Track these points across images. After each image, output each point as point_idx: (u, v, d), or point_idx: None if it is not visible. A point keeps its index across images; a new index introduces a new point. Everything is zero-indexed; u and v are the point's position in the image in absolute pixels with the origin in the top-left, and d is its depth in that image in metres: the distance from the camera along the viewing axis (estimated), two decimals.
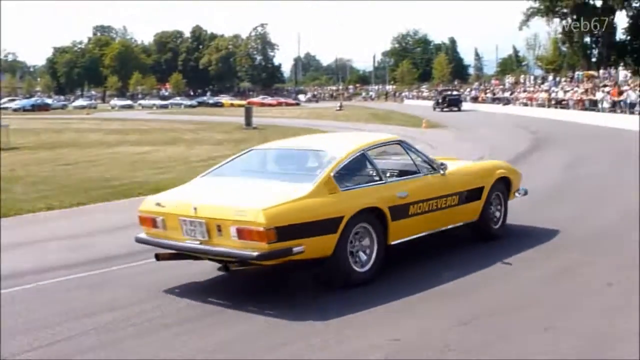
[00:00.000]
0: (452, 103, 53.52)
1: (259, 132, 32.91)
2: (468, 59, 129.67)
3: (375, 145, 7.60)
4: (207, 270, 7.39)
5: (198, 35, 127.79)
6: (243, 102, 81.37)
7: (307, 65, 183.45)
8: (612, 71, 48.35)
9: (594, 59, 63.36)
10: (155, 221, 6.62)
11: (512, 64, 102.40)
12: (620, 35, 64.07)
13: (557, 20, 64.64)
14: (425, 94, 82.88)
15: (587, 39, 64.75)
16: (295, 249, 5.98)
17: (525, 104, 47.65)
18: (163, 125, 41.42)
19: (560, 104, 41.50)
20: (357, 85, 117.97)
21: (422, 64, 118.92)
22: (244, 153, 7.81)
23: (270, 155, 7.93)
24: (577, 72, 52.61)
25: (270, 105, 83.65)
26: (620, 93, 33.45)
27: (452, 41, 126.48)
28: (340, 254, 6.38)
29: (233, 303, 6.27)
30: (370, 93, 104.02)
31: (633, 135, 26.03)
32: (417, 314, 5.91)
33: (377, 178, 7.13)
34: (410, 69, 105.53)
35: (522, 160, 18.64)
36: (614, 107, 33.22)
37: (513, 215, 9.24)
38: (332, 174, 6.57)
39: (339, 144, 7.63)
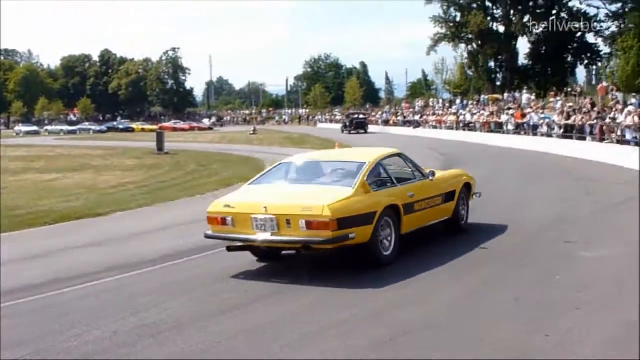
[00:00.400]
0: (359, 126, 56.79)
1: (171, 157, 32.49)
2: (379, 82, 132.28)
3: (385, 156, 9.64)
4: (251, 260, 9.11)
5: (107, 59, 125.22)
6: (154, 127, 79.92)
7: (219, 90, 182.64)
8: (516, 95, 50.32)
9: (498, 83, 65.69)
10: (225, 220, 8.42)
11: (421, 88, 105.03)
12: (522, 60, 66.82)
13: (463, 45, 66.79)
14: (338, 118, 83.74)
15: (492, 64, 67.11)
16: (350, 236, 7.88)
17: (435, 127, 48.91)
18: (71, 152, 40.29)
19: (468, 126, 42.76)
20: (271, 109, 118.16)
21: (334, 88, 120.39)
22: (277, 165, 9.76)
23: (307, 165, 9.80)
24: (483, 96, 54.45)
25: (182, 130, 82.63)
26: (524, 116, 34.77)
27: (363, 65, 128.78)
28: (374, 240, 8.27)
29: (290, 282, 7.99)
30: (284, 117, 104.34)
31: (536, 156, 27.22)
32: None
33: (390, 183, 9.10)
34: (322, 93, 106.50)
35: None
36: (518, 129, 34.51)
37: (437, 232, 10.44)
38: (365, 179, 8.52)
39: (361, 155, 9.71)
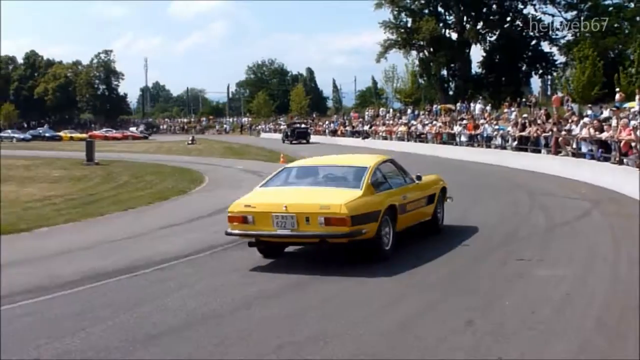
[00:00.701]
0: (301, 136, 58.94)
1: (101, 168, 32.00)
2: (327, 90, 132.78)
3: (381, 162, 11.20)
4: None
5: (32, 61, 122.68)
6: (84, 136, 78.47)
7: (155, 96, 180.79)
8: (471, 105, 51.13)
9: (451, 93, 66.69)
10: (246, 218, 9.99)
11: (371, 97, 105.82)
12: (476, 68, 67.94)
13: (414, 52, 67.48)
14: (282, 127, 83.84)
15: (444, 72, 68.08)
16: (363, 231, 9.49)
17: (385, 138, 49.36)
18: None
19: (419, 137, 43.24)
20: (211, 117, 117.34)
21: (279, 95, 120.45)
22: (281, 170, 11.52)
23: (312, 169, 11.53)
24: (435, 106, 55.24)
25: (114, 138, 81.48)
26: (477, 127, 35.38)
27: (310, 72, 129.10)
28: (378, 236, 9.87)
29: (311, 275, 9.41)
30: (225, 126, 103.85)
31: (489, 168, 27.69)
32: None
33: (387, 185, 10.75)
34: (266, 100, 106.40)
35: None
36: (471, 140, 35.08)
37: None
38: (369, 182, 10.21)
39: (360, 161, 11.29)
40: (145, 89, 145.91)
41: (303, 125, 64.64)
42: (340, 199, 9.61)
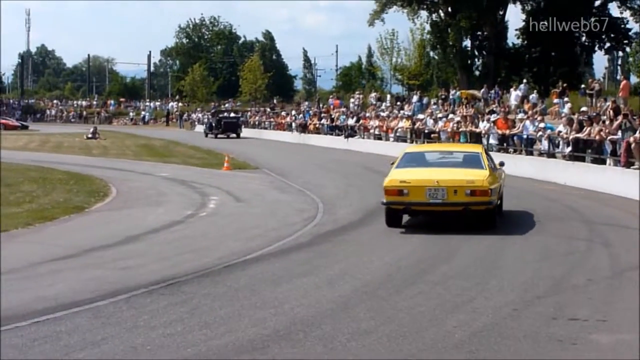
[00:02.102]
0: (229, 128, 65.18)
1: None
2: (294, 65, 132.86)
3: (484, 149, 22.19)
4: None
5: None
6: None
7: (40, 66, 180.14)
8: (504, 91, 51.38)
9: (476, 72, 67.02)
10: (402, 191, 17.80)
11: (359, 76, 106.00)
12: (513, 39, 68.45)
13: (423, 13, 67.78)
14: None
15: (467, 43, 68.38)
16: (495, 201, 18.35)
17: (379, 137, 49.43)
18: None
19: (428, 137, 43.28)
20: (122, 100, 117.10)
21: (224, 70, 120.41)
22: (405, 155, 20.31)
23: (431, 154, 21.05)
24: (452, 91, 55.39)
25: None
26: (513, 124, 35.56)
27: (269, 37, 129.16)
28: (496, 206, 18.85)
29: None
30: (143, 113, 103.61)
31: (528, 186, 27.83)
32: None
33: (494, 168, 19.74)
34: (205, 78, 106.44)
35: (372, 221, 19.53)
36: (504, 143, 35.23)
37: None
38: (488, 164, 19.10)
39: (469, 147, 24.83)
40: (25, 56, 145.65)
41: (233, 115, 71.13)
42: (479, 176, 18.12)
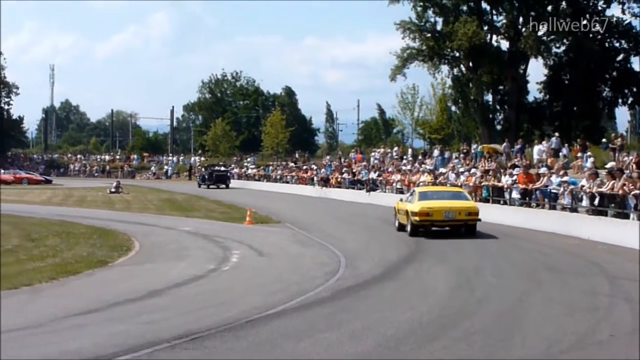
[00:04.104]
0: (219, 179, 75.15)
1: None
2: (317, 119, 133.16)
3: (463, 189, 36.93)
4: None
5: None
6: None
7: (64, 121, 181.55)
8: (525, 145, 51.32)
9: (498, 127, 67.02)
10: (428, 213, 29.02)
11: (379, 131, 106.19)
12: (534, 93, 68.46)
13: (445, 68, 68.01)
14: (251, 172, 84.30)
15: (489, 97, 68.49)
16: (480, 219, 29.94)
17: (400, 190, 49.47)
18: None
19: None
20: (145, 154, 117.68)
21: (246, 125, 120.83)
22: (414, 191, 32.38)
23: (434, 192, 32.33)
24: (474, 145, 55.44)
25: (3, 182, 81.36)
26: (537, 177, 35.55)
27: (289, 93, 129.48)
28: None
29: None
30: (166, 168, 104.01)
31: (552, 240, 27.80)
32: None
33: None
34: (228, 132, 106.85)
35: (395, 275, 19.59)
36: (526, 197, 35.23)
37: None
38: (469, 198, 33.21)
39: (454, 188, 36.97)
40: (49, 111, 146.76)
41: (223, 168, 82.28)
42: (470, 204, 30.46)
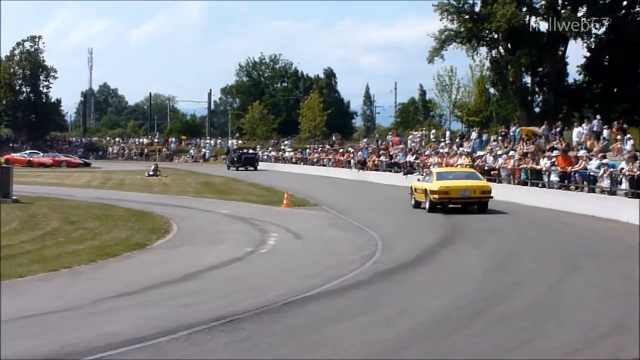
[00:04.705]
0: (248, 162, 78.25)
1: (21, 208, 32.17)
2: (354, 103, 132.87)
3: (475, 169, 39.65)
4: None
5: None
6: None
7: (102, 104, 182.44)
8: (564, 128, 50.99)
9: (536, 109, 66.63)
10: (447, 192, 31.99)
11: (416, 113, 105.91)
12: (574, 75, 67.95)
13: (483, 50, 67.65)
14: (288, 154, 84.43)
15: (527, 79, 68.10)
16: (492, 196, 32.82)
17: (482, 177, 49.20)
18: None
19: (488, 173, 43.19)
20: (183, 137, 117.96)
21: (284, 108, 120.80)
22: (431, 172, 35.14)
23: (449, 173, 35.56)
24: (512, 128, 55.14)
25: (42, 164, 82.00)
26: (576, 160, 35.33)
27: (329, 75, 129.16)
28: None
29: None
30: (204, 151, 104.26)
31: (589, 223, 27.63)
32: None
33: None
34: (265, 115, 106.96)
35: (431, 259, 19.58)
36: (565, 180, 35.03)
37: None
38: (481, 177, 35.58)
39: (470, 169, 38.30)
40: (87, 94, 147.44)
41: (251, 151, 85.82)
42: (484, 183, 33.26)
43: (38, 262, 18.65)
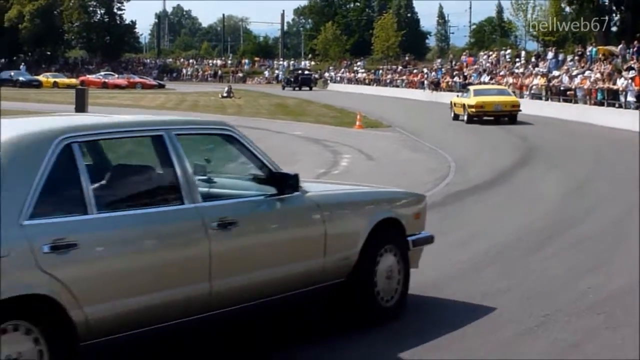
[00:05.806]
0: (304, 82, 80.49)
1: None
2: (428, 23, 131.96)
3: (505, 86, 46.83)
4: None
5: None
6: (73, 81, 80.00)
7: (176, 26, 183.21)
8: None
9: (614, 28, 65.50)
10: (482, 106, 36.97)
11: (492, 33, 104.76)
12: None
13: None
14: (361, 76, 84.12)
15: None
16: (521, 110, 38.91)
17: (513, 94, 48.86)
18: None
19: (563, 94, 42.73)
20: (256, 59, 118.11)
21: (357, 29, 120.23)
22: (469, 89, 40.85)
23: (485, 90, 40.82)
24: (589, 48, 54.31)
25: (117, 86, 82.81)
26: None
27: None
28: None
29: None
30: (277, 72, 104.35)
31: None
32: None
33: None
34: (338, 36, 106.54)
35: (507, 180, 19.44)
36: None
37: None
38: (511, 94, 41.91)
39: (501, 87, 45.94)
40: (161, 16, 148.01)
41: (307, 72, 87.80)
42: (513, 98, 39.57)
43: None
